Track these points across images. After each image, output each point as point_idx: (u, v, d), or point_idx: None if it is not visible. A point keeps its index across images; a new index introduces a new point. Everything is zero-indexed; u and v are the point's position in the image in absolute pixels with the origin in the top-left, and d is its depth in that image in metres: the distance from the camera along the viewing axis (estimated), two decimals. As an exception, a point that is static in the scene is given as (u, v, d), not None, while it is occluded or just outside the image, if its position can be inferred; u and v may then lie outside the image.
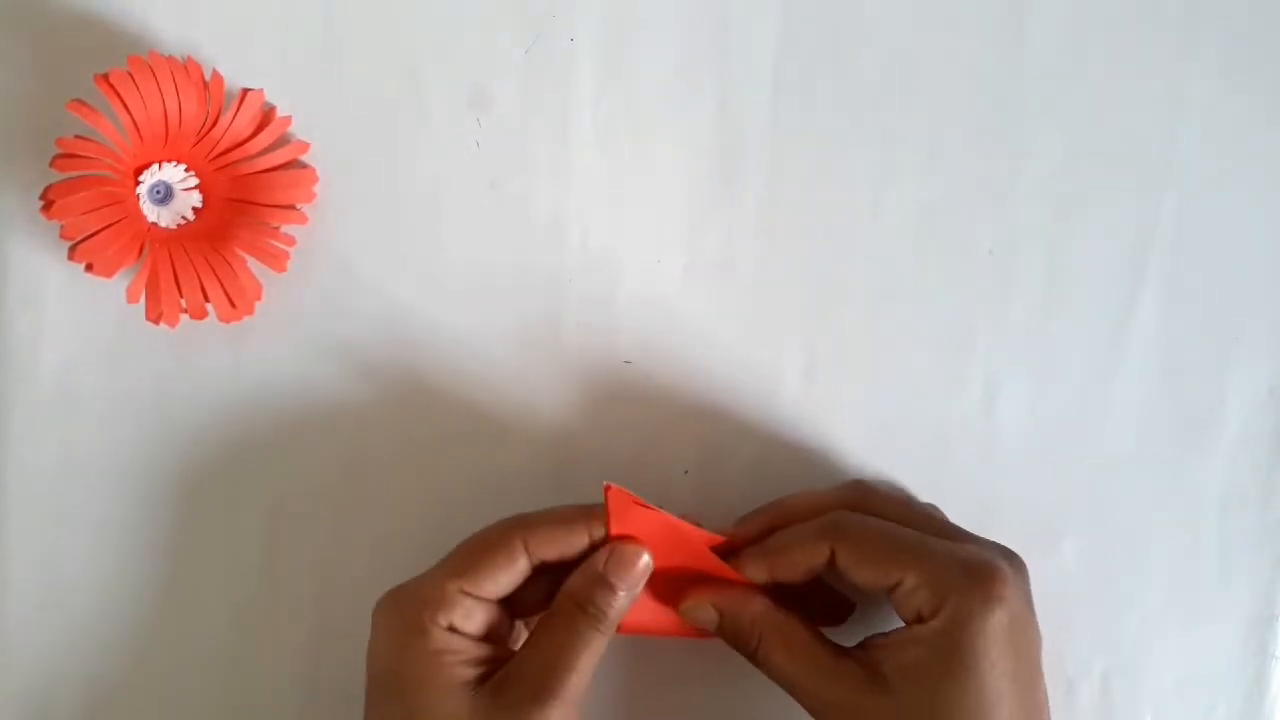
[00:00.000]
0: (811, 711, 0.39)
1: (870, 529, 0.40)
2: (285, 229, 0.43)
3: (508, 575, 0.40)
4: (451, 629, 0.39)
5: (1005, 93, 0.45)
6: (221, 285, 0.42)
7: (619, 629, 0.40)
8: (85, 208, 0.40)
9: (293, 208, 0.43)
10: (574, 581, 0.40)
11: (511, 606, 0.41)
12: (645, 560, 0.40)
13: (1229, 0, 0.45)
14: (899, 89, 0.45)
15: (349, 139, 0.44)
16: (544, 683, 0.38)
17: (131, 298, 0.42)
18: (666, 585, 0.41)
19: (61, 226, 0.40)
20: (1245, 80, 0.45)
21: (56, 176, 0.40)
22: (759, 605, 0.40)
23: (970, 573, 0.38)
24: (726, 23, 0.44)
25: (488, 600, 0.40)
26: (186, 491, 0.44)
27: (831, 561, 0.40)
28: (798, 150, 0.45)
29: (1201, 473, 0.46)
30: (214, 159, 0.43)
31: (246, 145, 0.43)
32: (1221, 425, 0.46)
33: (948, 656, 0.37)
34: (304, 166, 0.44)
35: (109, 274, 0.41)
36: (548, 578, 0.41)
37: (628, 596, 0.40)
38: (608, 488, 0.40)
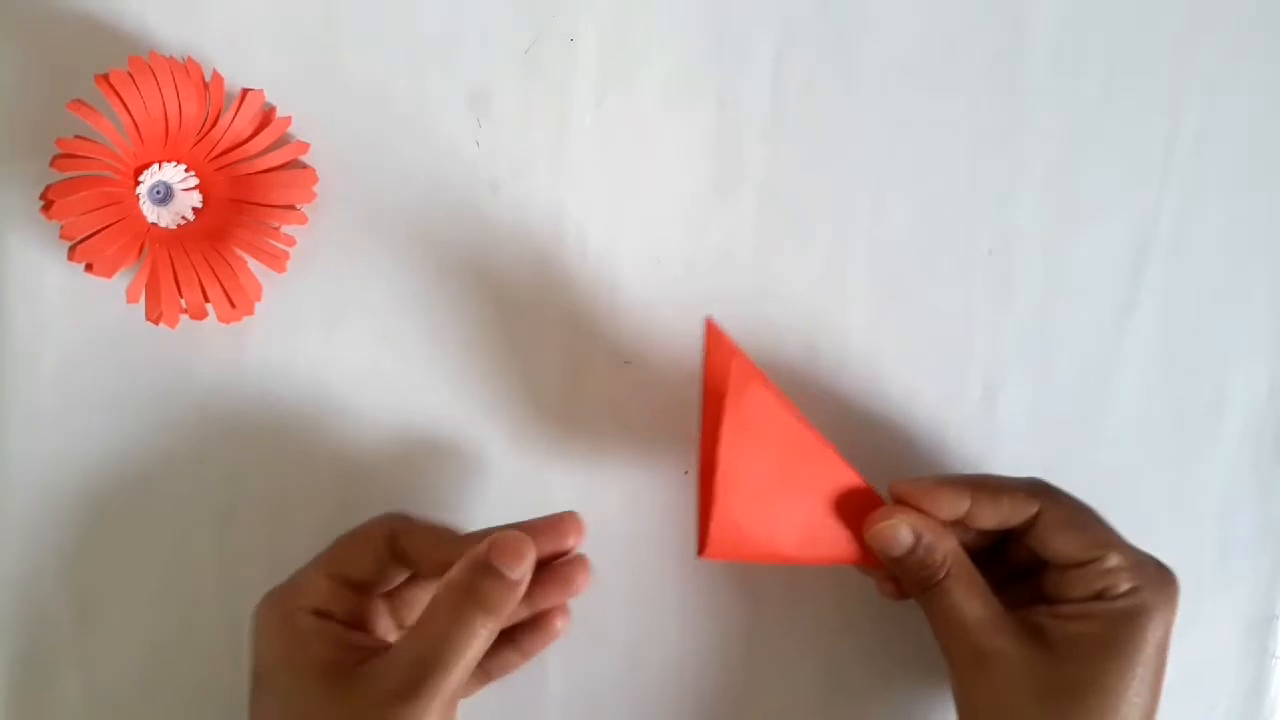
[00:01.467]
0: (959, 657, 0.40)
1: (1075, 503, 0.41)
2: (285, 229, 0.43)
3: (372, 558, 0.40)
4: (318, 612, 0.39)
5: (1005, 92, 0.45)
6: (221, 285, 0.42)
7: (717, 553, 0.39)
8: (85, 208, 0.40)
9: (293, 208, 0.43)
10: (455, 570, 0.38)
11: (393, 605, 0.41)
12: (529, 548, 0.38)
13: (1229, 1, 0.45)
14: (899, 89, 0.45)
15: (349, 139, 0.44)
16: (415, 679, 0.36)
17: (131, 298, 0.42)
18: (778, 490, 0.40)
19: (61, 226, 0.40)
20: (1245, 79, 0.45)
21: (56, 176, 0.40)
22: (953, 540, 0.40)
23: (1164, 572, 0.40)
24: (726, 23, 0.44)
25: (355, 583, 0.40)
26: (186, 491, 0.44)
27: (1027, 526, 0.40)
28: (798, 150, 0.45)
29: (1201, 473, 0.46)
30: (214, 159, 0.43)
31: (246, 145, 0.43)
32: (1221, 425, 0.46)
33: (1121, 638, 0.39)
34: (304, 166, 0.44)
35: (109, 274, 0.41)
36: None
37: (516, 584, 0.37)
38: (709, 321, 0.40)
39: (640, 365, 0.45)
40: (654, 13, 0.44)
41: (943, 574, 0.40)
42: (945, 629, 0.40)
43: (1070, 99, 0.45)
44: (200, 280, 0.42)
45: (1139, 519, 0.46)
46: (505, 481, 0.45)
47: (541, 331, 0.45)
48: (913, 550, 0.40)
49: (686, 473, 0.45)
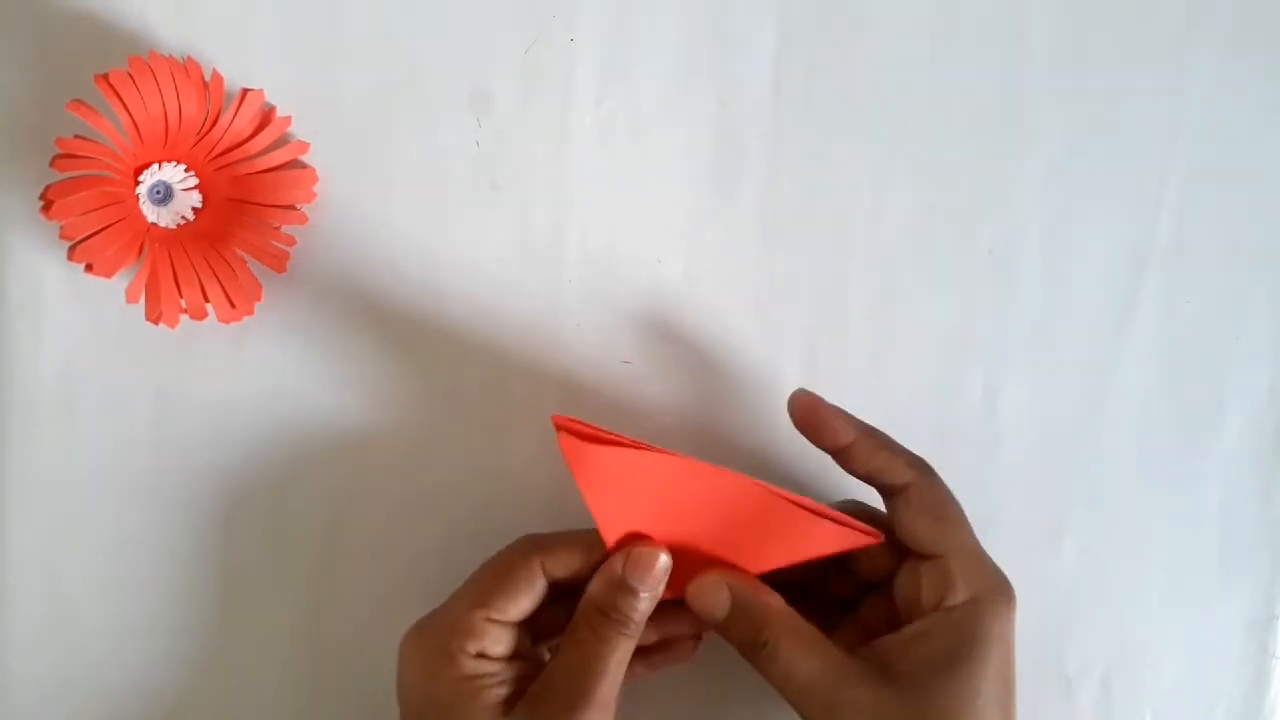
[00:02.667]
0: (812, 714, 0.39)
1: (946, 492, 0.41)
2: (285, 229, 0.43)
3: (528, 598, 0.40)
4: (480, 655, 0.39)
5: (1005, 92, 0.45)
6: (221, 285, 0.42)
7: None
8: (85, 208, 0.40)
9: (293, 208, 0.43)
10: (594, 588, 0.40)
11: (530, 626, 0.41)
12: (664, 561, 0.40)
13: (1229, 1, 0.45)
14: (899, 89, 0.45)
15: (349, 139, 0.44)
16: (576, 691, 0.38)
17: (131, 298, 0.41)
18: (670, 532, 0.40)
19: (61, 227, 0.40)
20: (1245, 77, 0.45)
21: (56, 177, 0.40)
22: (774, 599, 0.40)
23: (998, 580, 0.40)
24: (726, 23, 0.44)
25: (511, 624, 0.40)
26: (186, 491, 0.44)
27: (893, 493, 0.40)
28: (798, 150, 0.45)
29: (1201, 473, 0.46)
30: (214, 159, 0.43)
31: (246, 145, 0.43)
32: (1221, 425, 0.46)
33: (964, 654, 0.38)
34: (304, 166, 0.44)
35: (109, 274, 0.41)
36: (564, 596, 0.41)
37: (650, 598, 0.40)
38: (556, 424, 0.40)
39: (640, 365, 0.45)
40: (654, 13, 0.44)
41: (766, 636, 0.39)
42: (788, 689, 0.39)
43: (1070, 99, 0.45)
44: (200, 280, 0.42)
45: (1139, 519, 0.46)
46: (504, 481, 0.45)
47: (541, 331, 0.45)
48: (730, 615, 0.40)
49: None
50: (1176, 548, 0.46)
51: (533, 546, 0.41)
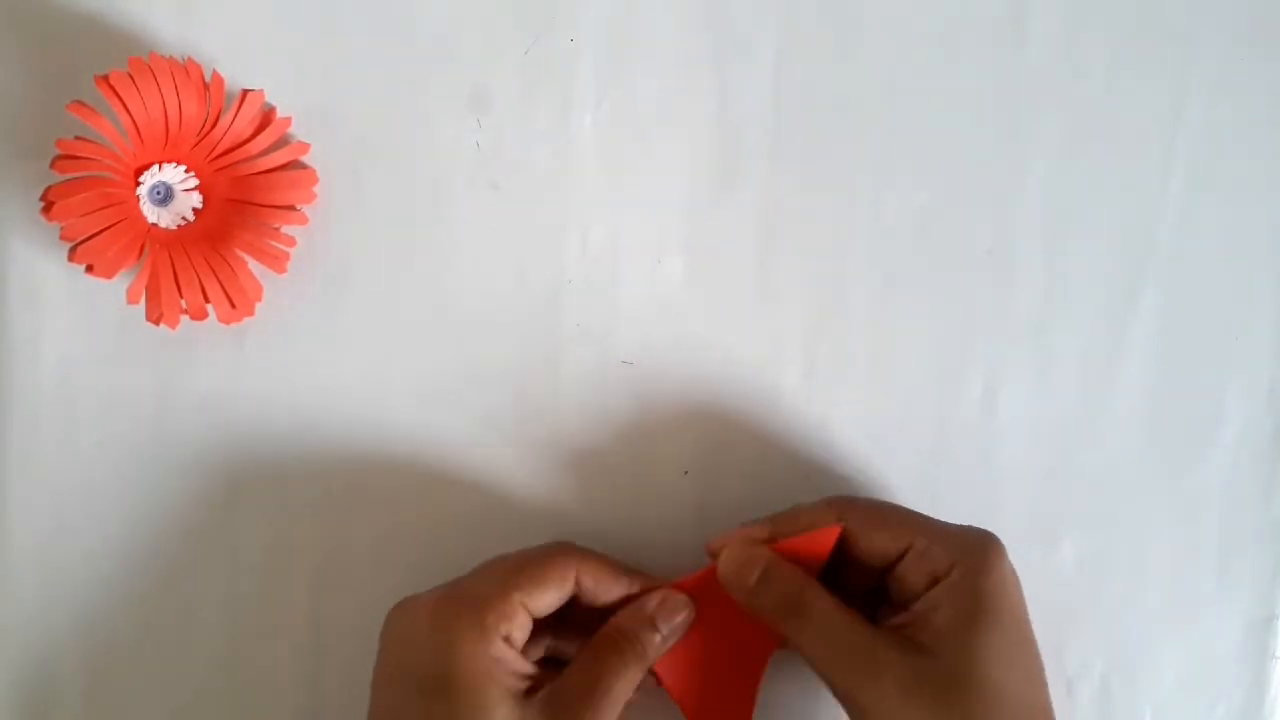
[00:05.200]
0: (850, 678, 0.39)
1: (876, 501, 0.43)
2: (285, 230, 0.43)
3: (556, 595, 0.41)
4: (507, 639, 0.39)
5: (1005, 93, 0.45)
6: (222, 286, 0.42)
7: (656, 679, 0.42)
8: (85, 209, 0.40)
9: (293, 208, 0.43)
10: (624, 617, 0.41)
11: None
12: (689, 613, 0.42)
13: (1229, 1, 0.45)
14: (899, 89, 0.45)
15: (349, 139, 0.44)
16: (586, 703, 0.39)
17: (132, 299, 0.42)
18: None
19: (62, 228, 0.40)
20: (1245, 80, 0.45)
21: (57, 178, 0.40)
22: (806, 578, 0.41)
23: (973, 535, 0.41)
24: (726, 23, 0.44)
25: (533, 616, 0.40)
26: (186, 492, 0.44)
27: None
28: (798, 150, 0.45)
29: (1201, 473, 0.46)
30: (214, 160, 0.43)
31: (247, 146, 0.43)
32: (1221, 425, 0.46)
33: (974, 608, 0.39)
34: (304, 167, 0.44)
35: (109, 275, 0.41)
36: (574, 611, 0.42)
37: (667, 641, 0.41)
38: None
39: (640, 365, 0.45)
40: (654, 13, 0.44)
41: (800, 599, 0.40)
42: (823, 653, 0.40)
43: (1070, 98, 0.45)
44: (200, 281, 0.42)
45: (1139, 519, 0.46)
46: (504, 480, 0.45)
47: (541, 331, 0.45)
48: (764, 580, 0.41)
49: (686, 473, 0.45)
50: (1176, 548, 0.46)
51: (570, 549, 0.42)
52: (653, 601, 0.42)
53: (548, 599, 0.40)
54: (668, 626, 0.41)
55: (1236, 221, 0.46)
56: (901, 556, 0.40)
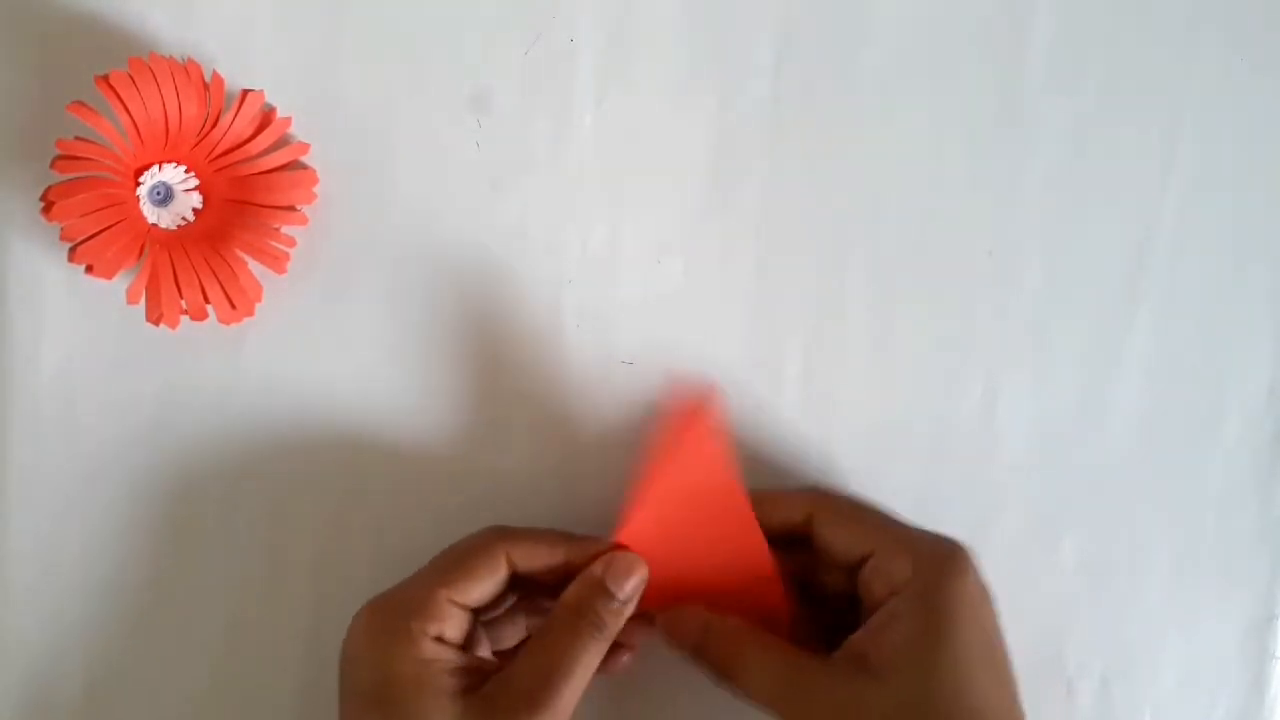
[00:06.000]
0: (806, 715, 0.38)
1: (847, 498, 0.42)
2: (285, 230, 0.43)
3: (490, 584, 0.40)
4: (438, 639, 0.39)
5: (1005, 93, 0.45)
6: (222, 286, 0.42)
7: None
8: (85, 209, 0.40)
9: (293, 208, 0.43)
10: (572, 591, 0.40)
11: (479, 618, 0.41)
12: (642, 574, 0.40)
13: (1229, 2, 0.45)
14: (899, 89, 0.45)
15: (349, 139, 0.44)
16: (539, 692, 0.38)
17: (132, 299, 0.42)
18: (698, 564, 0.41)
19: (62, 228, 0.40)
20: (1245, 80, 0.45)
21: (57, 178, 0.40)
22: (739, 622, 0.40)
23: (939, 544, 0.40)
24: (726, 23, 0.44)
25: (469, 609, 0.40)
26: (186, 492, 0.44)
27: (807, 532, 0.41)
28: (798, 150, 0.45)
29: (1201, 473, 0.46)
30: (214, 160, 0.43)
31: (247, 146, 0.43)
32: (1221, 425, 0.46)
33: (930, 624, 0.38)
34: (304, 167, 0.44)
35: (109, 275, 0.41)
36: (515, 594, 0.41)
37: (627, 607, 0.40)
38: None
39: (641, 365, 0.45)
40: (654, 13, 0.44)
41: (738, 652, 0.39)
42: (761, 702, 0.39)
43: (1070, 100, 0.45)
44: (200, 281, 0.42)
45: (1139, 519, 0.46)
46: (504, 481, 0.45)
47: (541, 332, 0.45)
48: (703, 641, 0.40)
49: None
50: (1176, 548, 0.46)
51: (499, 533, 0.41)
52: (599, 567, 0.40)
53: (480, 589, 0.40)
54: (623, 590, 0.40)
55: (1236, 222, 0.46)
56: (865, 560, 0.40)
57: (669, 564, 0.41)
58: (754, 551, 0.41)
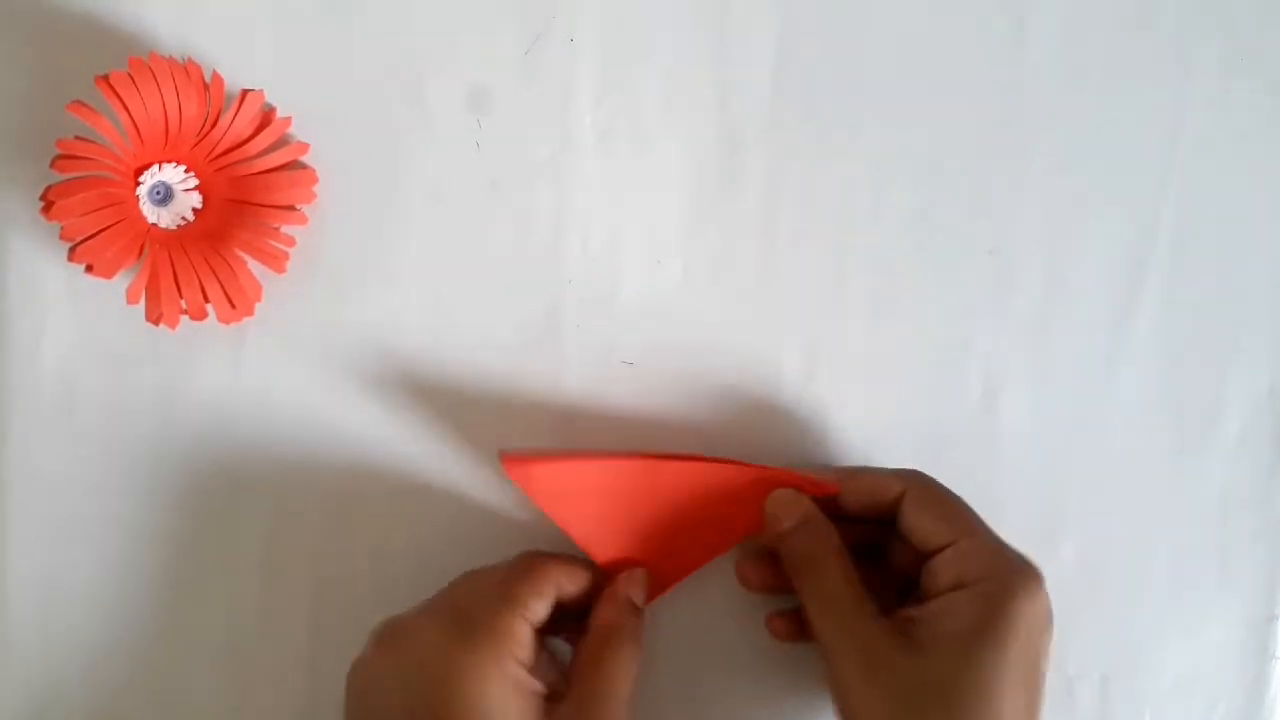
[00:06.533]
0: (846, 663, 0.39)
1: (943, 488, 0.42)
2: (285, 229, 0.43)
3: (548, 603, 0.41)
4: (520, 663, 0.39)
5: (1005, 92, 0.45)
6: (221, 286, 0.42)
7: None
8: (85, 209, 0.40)
9: (292, 208, 0.43)
10: (605, 613, 0.42)
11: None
12: (644, 574, 0.43)
13: (1229, 2, 0.45)
14: (899, 89, 0.45)
15: (349, 139, 0.44)
16: (605, 707, 0.40)
17: (131, 298, 0.42)
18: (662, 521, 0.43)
19: (61, 227, 0.40)
20: (1245, 80, 0.45)
21: (57, 178, 0.40)
22: (836, 544, 0.41)
23: (1020, 558, 0.40)
24: (726, 23, 0.44)
25: (538, 631, 0.41)
26: (186, 492, 0.44)
27: (894, 510, 0.41)
28: (798, 150, 0.45)
29: (1201, 473, 0.46)
30: (214, 160, 0.43)
31: (246, 146, 0.43)
32: (1221, 425, 0.46)
33: (984, 626, 0.38)
34: (304, 167, 0.44)
35: (109, 275, 0.41)
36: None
37: (644, 614, 0.42)
38: (503, 458, 0.42)
39: (641, 365, 0.45)
40: (654, 13, 0.44)
41: (822, 557, 0.41)
42: (824, 618, 0.40)
43: (1070, 99, 0.45)
44: (200, 281, 0.42)
45: (1139, 519, 0.46)
46: (504, 481, 0.45)
47: (541, 332, 0.45)
48: (797, 529, 0.41)
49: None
50: (1176, 548, 0.46)
51: (545, 558, 0.42)
52: (622, 584, 0.42)
53: (545, 606, 0.41)
54: (643, 600, 0.42)
55: (1236, 221, 0.46)
56: (941, 550, 0.40)
57: (664, 541, 0.43)
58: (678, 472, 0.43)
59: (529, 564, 0.41)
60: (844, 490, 0.42)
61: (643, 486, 0.42)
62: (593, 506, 0.42)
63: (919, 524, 0.41)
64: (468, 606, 0.40)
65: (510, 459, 0.42)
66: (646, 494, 0.42)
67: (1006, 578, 0.39)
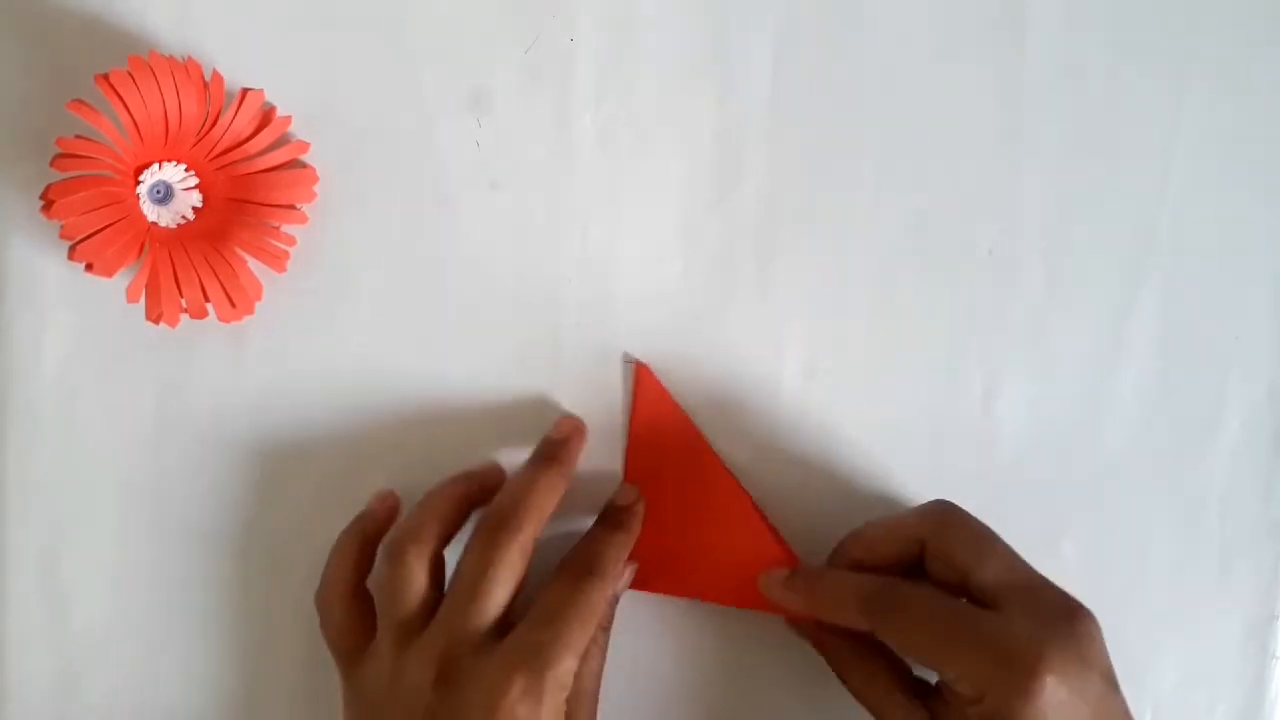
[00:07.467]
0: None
1: (913, 611, 0.39)
2: (285, 229, 0.44)
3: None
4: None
5: (1005, 93, 0.45)
6: (221, 285, 0.42)
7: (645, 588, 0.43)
8: (85, 207, 0.40)
9: (293, 208, 0.43)
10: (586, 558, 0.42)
11: None
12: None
13: (1229, 1, 0.45)
14: (898, 89, 0.45)
15: (349, 139, 0.44)
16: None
17: (131, 297, 0.42)
18: (689, 526, 0.44)
19: (62, 226, 0.40)
20: (1245, 80, 0.45)
21: (57, 176, 0.40)
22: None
23: (1010, 663, 0.37)
24: (726, 22, 0.44)
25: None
26: (186, 491, 0.44)
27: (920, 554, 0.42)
28: (797, 150, 0.45)
29: (1201, 473, 0.46)
30: (214, 159, 0.43)
31: (246, 145, 0.43)
32: (1221, 425, 0.46)
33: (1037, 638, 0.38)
34: (304, 166, 0.44)
35: (109, 274, 0.41)
36: None
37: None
38: (637, 366, 0.44)
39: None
40: (654, 13, 0.44)
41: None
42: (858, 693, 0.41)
43: (1070, 97, 0.45)
44: (200, 280, 0.42)
45: (1139, 519, 0.46)
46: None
47: (541, 331, 0.45)
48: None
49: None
50: (1176, 548, 0.46)
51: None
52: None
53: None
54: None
55: (1236, 221, 0.46)
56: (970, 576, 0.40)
57: (663, 537, 0.43)
58: (736, 503, 0.43)
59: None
60: (809, 608, 0.41)
61: (703, 483, 0.43)
62: (660, 458, 0.44)
63: (905, 656, 0.41)
64: (543, 646, 0.39)
65: (644, 368, 0.44)
66: (698, 492, 0.43)
67: (1001, 697, 0.37)
